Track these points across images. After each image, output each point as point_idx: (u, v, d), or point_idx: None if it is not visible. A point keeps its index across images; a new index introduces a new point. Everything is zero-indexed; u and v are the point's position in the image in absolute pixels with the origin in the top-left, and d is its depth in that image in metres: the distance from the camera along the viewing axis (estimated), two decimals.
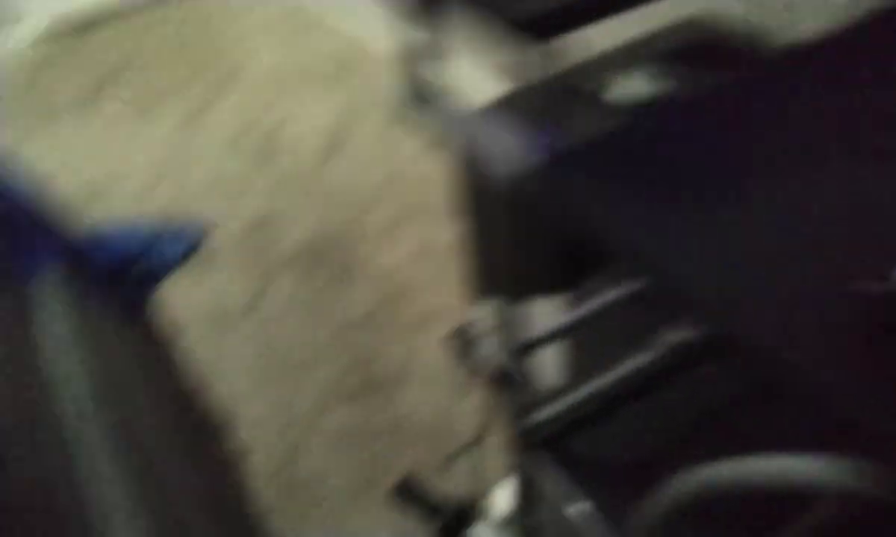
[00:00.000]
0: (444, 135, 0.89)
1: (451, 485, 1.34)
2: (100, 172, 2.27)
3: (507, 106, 0.98)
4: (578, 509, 0.89)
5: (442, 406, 1.52)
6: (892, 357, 0.51)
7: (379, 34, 2.82)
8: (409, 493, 1.28)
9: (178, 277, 1.87)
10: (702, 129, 0.72)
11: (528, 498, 1.07)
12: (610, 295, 0.95)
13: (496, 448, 1.44)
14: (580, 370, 1.00)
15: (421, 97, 0.84)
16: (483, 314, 1.34)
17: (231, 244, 1.96)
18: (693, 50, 1.12)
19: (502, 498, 1.33)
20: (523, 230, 0.94)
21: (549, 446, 0.95)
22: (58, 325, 1.30)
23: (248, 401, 1.56)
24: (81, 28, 2.95)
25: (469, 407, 1.52)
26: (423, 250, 1.88)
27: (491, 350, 1.26)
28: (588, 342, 1.02)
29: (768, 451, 0.53)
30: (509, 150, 0.76)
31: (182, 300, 1.80)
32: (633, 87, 0.99)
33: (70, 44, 2.94)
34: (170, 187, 2.20)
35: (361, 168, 2.21)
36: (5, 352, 1.12)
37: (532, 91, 0.89)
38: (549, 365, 1.12)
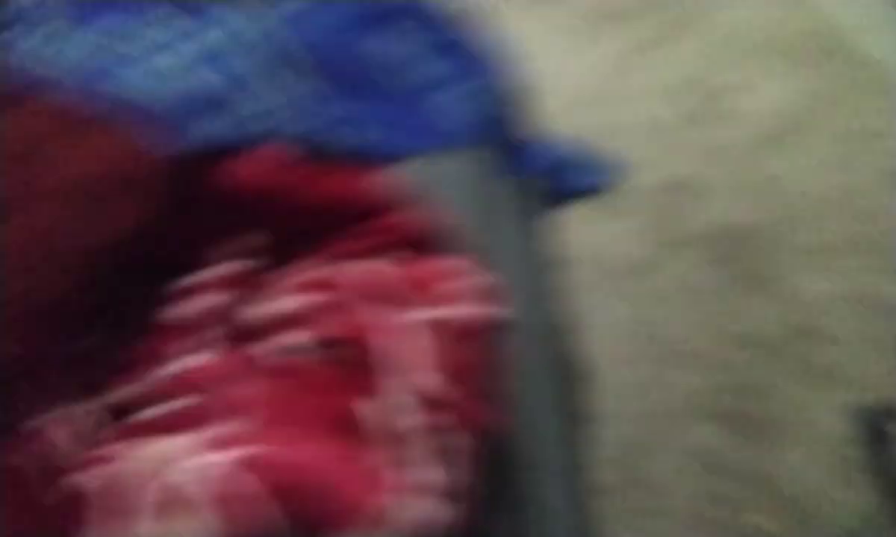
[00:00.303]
0: None
1: None
2: (536, 76, 2.24)
3: None
4: None
5: (819, 481, 1.29)
6: None
7: (867, 20, 2.42)
8: None
9: (577, 212, 1.79)
10: None
11: None
12: None
13: None
14: None
15: None
16: None
17: (640, 197, 1.83)
18: None
19: None
20: None
21: None
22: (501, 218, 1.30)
23: (604, 370, 1.46)
24: None
25: (851, 497, 1.28)
26: (855, 295, 1.58)
27: None
28: None
29: None
30: None
31: (573, 236, 1.72)
32: None
33: None
34: (597, 114, 2.11)
35: (811, 168, 1.92)
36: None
37: None
38: None
